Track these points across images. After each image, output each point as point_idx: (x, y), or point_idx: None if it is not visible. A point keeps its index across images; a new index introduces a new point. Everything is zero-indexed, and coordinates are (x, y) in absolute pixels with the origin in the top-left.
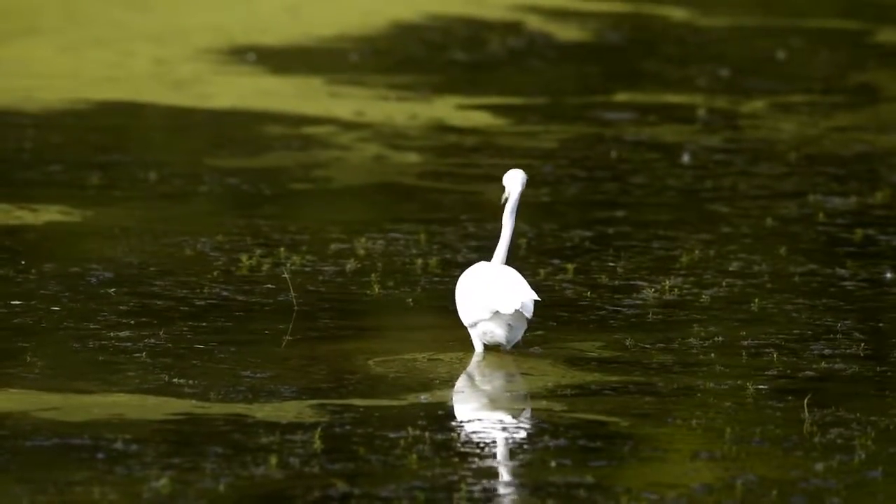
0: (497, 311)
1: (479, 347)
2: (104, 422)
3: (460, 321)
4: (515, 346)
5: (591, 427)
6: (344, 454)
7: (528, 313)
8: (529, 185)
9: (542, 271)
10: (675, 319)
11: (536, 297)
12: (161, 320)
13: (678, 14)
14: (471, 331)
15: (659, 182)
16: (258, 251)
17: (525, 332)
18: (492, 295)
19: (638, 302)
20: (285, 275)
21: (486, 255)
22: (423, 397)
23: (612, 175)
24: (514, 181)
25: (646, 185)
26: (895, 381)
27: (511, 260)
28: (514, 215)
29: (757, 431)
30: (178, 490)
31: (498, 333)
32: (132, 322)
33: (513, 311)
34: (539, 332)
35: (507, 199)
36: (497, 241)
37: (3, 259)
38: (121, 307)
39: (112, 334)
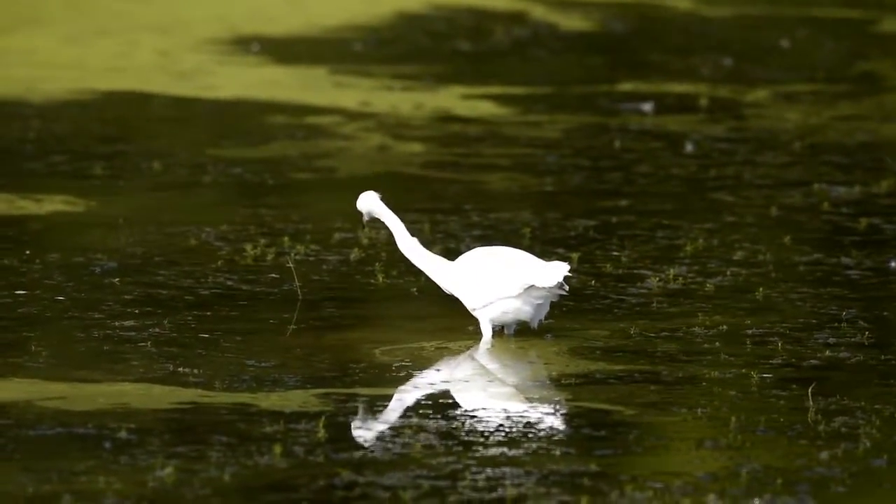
0: (531, 287)
1: (488, 333)
2: (109, 411)
3: (461, 306)
4: (539, 325)
5: (595, 416)
6: (349, 443)
7: (566, 287)
8: (534, 174)
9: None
10: (679, 308)
11: (568, 273)
12: (166, 310)
13: (682, 4)
14: (481, 314)
15: (663, 171)
16: (262, 241)
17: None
18: (527, 269)
19: (642, 291)
20: (289, 264)
21: (490, 243)
22: (428, 386)
23: (616, 164)
24: (369, 203)
25: (650, 175)
26: None
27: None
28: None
29: (761, 420)
30: (182, 479)
31: (525, 311)
32: (136, 311)
33: (554, 284)
34: (546, 321)
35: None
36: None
37: (8, 249)
38: (125, 297)
39: (116, 324)
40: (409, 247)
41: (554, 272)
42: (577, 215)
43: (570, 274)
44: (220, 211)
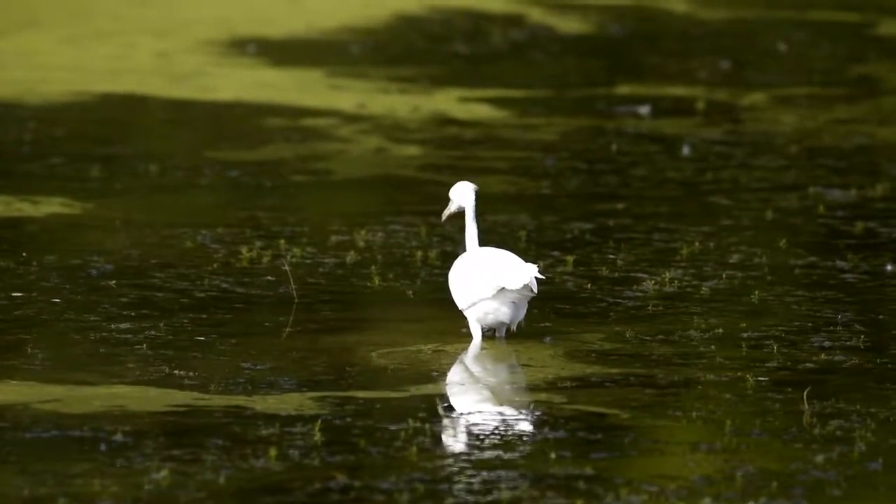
0: (503, 288)
1: (477, 335)
2: (104, 413)
3: (457, 309)
4: (518, 327)
5: (591, 419)
6: (344, 446)
7: (534, 289)
8: (530, 177)
9: (542, 263)
10: (675, 311)
11: (539, 274)
12: (161, 312)
13: (679, 7)
14: (469, 314)
15: (659, 174)
16: (258, 243)
17: (525, 315)
18: (497, 272)
19: (638, 294)
20: (285, 267)
21: (485, 246)
22: (423, 389)
23: (613, 167)
24: (464, 194)
25: (646, 178)
26: (895, 373)
27: (512, 252)
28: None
29: (757, 423)
30: (178, 482)
31: (503, 312)
32: (133, 314)
33: (520, 286)
34: (541, 324)
35: (454, 213)
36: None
37: (5, 251)
38: (121, 299)
39: (113, 326)
40: (471, 235)
41: (521, 274)
42: (574, 218)
43: (541, 276)
44: (217, 213)
